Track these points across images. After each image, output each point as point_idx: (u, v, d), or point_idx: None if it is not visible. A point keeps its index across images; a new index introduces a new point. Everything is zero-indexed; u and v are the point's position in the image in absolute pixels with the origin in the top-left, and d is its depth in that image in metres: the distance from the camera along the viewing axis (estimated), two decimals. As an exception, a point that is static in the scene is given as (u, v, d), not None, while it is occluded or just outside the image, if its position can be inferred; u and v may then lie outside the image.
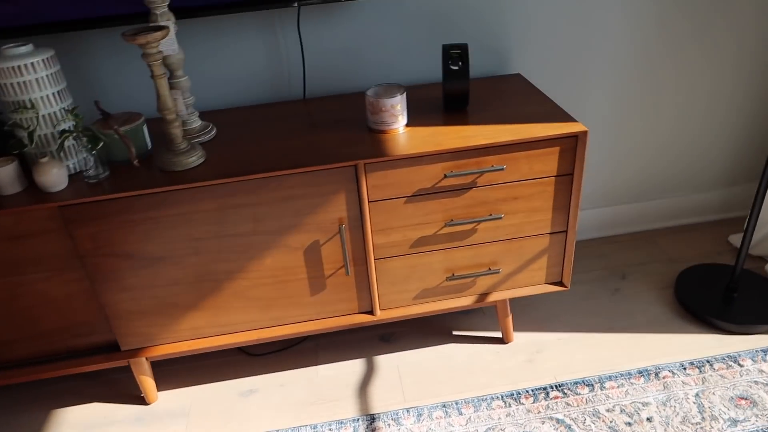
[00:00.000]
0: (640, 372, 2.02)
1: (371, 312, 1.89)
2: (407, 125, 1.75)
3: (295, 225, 1.67)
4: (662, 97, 2.38)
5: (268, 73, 2.02)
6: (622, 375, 2.01)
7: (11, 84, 1.59)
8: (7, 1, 1.76)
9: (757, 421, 1.81)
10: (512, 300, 2.20)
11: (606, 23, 2.15)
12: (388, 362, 2.12)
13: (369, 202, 1.68)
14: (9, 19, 1.80)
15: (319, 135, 1.76)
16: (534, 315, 2.27)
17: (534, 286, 1.90)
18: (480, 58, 2.06)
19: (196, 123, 1.88)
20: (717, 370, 2.00)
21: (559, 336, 2.19)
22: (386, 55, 2.01)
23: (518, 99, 1.88)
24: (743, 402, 1.89)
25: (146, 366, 1.98)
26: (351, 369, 2.13)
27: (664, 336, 2.14)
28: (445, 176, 1.68)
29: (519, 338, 2.19)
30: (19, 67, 1.58)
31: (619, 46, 2.22)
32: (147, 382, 2.01)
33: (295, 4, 1.82)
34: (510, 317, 2.07)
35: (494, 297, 1.89)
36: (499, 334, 2.19)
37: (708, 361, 2.04)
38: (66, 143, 1.70)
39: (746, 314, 2.12)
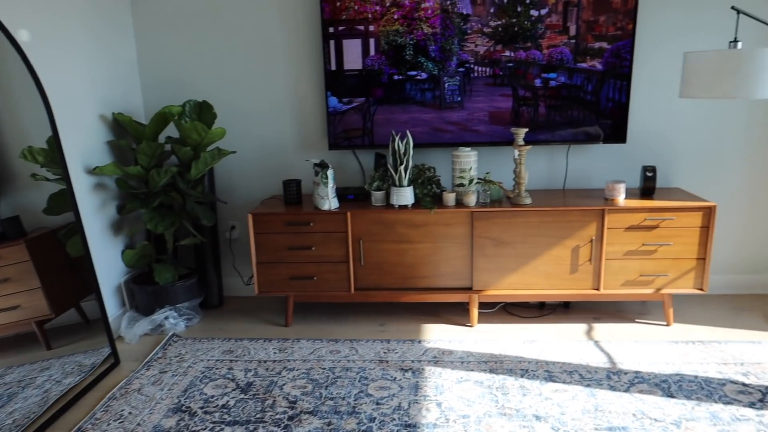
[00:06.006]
0: None
1: (598, 289, 2.81)
2: (625, 199, 2.84)
3: (570, 235, 2.73)
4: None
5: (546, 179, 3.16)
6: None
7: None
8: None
9: None
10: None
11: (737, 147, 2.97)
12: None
13: (606, 228, 2.73)
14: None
15: (584, 199, 2.85)
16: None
17: (687, 288, 2.80)
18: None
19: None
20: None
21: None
22: (614, 174, 3.12)
23: (680, 193, 2.92)
24: None
25: (477, 303, 2.90)
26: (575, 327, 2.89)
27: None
28: (645, 219, 2.72)
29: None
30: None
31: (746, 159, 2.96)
32: (474, 313, 2.90)
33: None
34: (672, 308, 2.88)
35: (664, 291, 2.80)
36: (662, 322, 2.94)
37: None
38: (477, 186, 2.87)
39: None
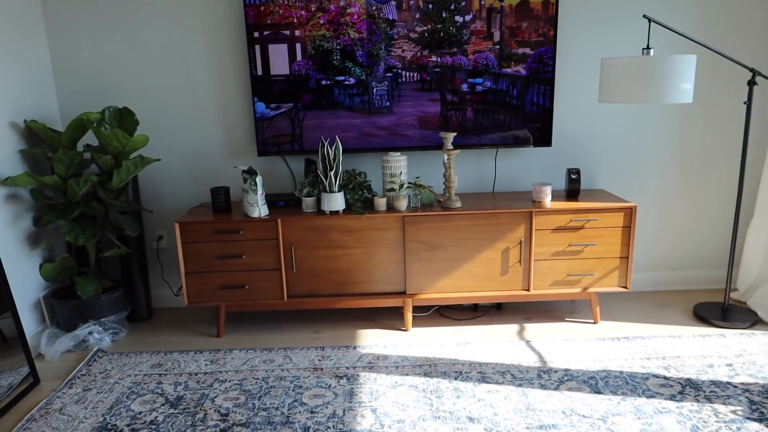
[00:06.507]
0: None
1: (528, 290, 2.87)
2: (551, 201, 2.93)
3: (500, 238, 2.77)
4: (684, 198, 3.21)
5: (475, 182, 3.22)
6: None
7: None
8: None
9: None
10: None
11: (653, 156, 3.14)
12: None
13: (534, 230, 2.79)
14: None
15: (513, 202, 2.91)
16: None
17: (611, 286, 2.89)
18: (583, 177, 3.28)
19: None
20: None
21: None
22: (541, 177, 3.23)
23: (603, 194, 3.03)
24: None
25: (411, 307, 2.92)
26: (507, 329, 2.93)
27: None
28: (570, 221, 2.78)
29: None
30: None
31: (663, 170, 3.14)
32: (408, 317, 2.91)
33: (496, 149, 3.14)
34: (599, 306, 3.01)
35: (591, 290, 2.88)
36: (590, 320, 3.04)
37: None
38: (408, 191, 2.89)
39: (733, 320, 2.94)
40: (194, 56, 2.95)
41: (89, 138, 2.97)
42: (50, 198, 2.73)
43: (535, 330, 2.82)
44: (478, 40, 2.78)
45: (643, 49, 2.49)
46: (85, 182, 2.64)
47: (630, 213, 2.70)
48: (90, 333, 2.71)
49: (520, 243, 2.71)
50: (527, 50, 2.78)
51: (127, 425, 2.13)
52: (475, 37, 2.77)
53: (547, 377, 2.37)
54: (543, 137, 2.90)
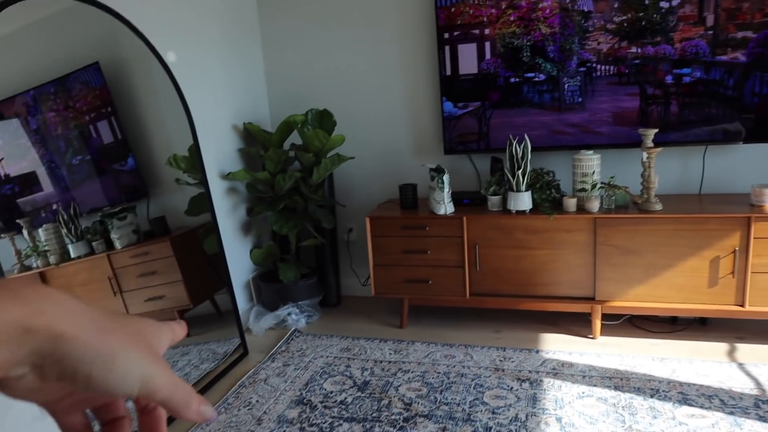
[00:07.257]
0: None
1: (742, 305, 2.53)
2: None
3: (707, 245, 2.50)
4: None
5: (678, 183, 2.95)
6: None
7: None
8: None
9: None
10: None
11: None
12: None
13: (753, 238, 2.45)
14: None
15: (725, 205, 2.60)
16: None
17: None
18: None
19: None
20: None
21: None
22: (761, 178, 2.82)
23: None
24: None
25: (600, 314, 2.75)
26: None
27: None
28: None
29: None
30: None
31: None
32: (597, 325, 2.75)
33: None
34: None
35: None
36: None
37: None
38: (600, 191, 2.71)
39: None
40: (386, 59, 3.10)
41: (293, 137, 3.28)
42: (261, 191, 3.08)
43: (750, 351, 2.48)
44: (686, 27, 2.52)
45: None
46: (290, 178, 2.92)
47: None
48: (289, 314, 3.00)
49: (734, 252, 2.40)
50: (748, 33, 2.46)
51: (320, 402, 2.31)
52: (683, 23, 2.52)
53: (767, 408, 2.09)
54: (763, 132, 2.55)
